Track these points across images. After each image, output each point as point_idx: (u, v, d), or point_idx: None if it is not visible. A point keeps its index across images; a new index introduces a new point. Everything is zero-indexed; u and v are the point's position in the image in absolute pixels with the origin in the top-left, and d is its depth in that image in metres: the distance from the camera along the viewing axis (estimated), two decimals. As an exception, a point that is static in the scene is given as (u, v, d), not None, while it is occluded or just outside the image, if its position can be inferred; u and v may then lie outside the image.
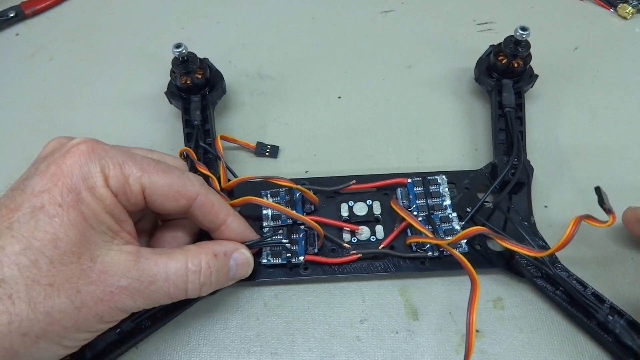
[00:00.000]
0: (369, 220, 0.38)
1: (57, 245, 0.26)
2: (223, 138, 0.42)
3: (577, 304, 0.34)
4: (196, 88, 0.43)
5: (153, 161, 0.31)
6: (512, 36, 0.42)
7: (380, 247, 0.36)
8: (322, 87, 0.48)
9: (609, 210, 0.29)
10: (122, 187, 0.29)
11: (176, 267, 0.30)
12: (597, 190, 0.30)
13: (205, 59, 0.44)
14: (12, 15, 0.54)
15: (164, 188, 0.30)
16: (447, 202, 0.38)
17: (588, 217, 0.29)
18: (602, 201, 0.30)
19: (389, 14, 0.54)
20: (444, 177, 0.39)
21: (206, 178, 0.38)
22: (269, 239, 0.36)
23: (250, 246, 0.35)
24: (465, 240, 0.36)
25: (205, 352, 0.35)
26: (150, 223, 0.36)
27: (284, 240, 0.36)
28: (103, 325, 0.29)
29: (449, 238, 0.34)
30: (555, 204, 0.40)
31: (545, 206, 0.40)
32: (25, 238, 0.26)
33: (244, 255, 0.34)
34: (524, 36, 0.41)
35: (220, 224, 0.33)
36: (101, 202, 0.28)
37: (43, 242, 0.26)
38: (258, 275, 0.36)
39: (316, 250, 0.37)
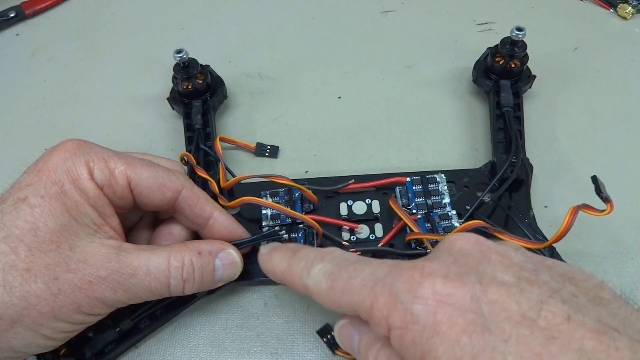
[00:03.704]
0: (368, 219, 0.38)
1: (36, 233, 0.27)
2: (222, 139, 0.42)
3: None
4: (197, 93, 0.43)
5: (137, 157, 0.32)
6: (508, 37, 0.42)
7: (379, 245, 0.36)
8: (322, 87, 0.48)
9: (606, 199, 0.29)
10: (108, 180, 0.30)
11: (158, 261, 0.30)
12: (594, 179, 0.30)
13: (207, 66, 0.45)
14: (12, 15, 0.55)
15: (149, 180, 0.31)
16: (446, 200, 0.38)
17: (585, 206, 0.29)
18: (599, 190, 0.29)
19: (389, 14, 0.54)
20: (442, 175, 0.39)
21: (205, 182, 0.38)
22: (264, 233, 0.36)
23: (242, 245, 0.34)
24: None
25: (205, 352, 0.35)
26: (151, 222, 0.36)
27: (281, 232, 0.36)
28: (83, 317, 0.29)
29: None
30: (555, 204, 0.40)
31: (546, 206, 0.40)
32: (7, 227, 0.27)
33: (231, 256, 0.33)
34: (520, 36, 0.41)
35: (208, 217, 0.34)
36: (84, 194, 0.29)
37: (23, 230, 0.27)
38: (257, 274, 0.36)
39: (315, 249, 0.37)
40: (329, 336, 0.33)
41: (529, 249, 0.33)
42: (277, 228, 0.37)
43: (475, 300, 0.22)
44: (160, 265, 0.30)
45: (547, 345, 0.20)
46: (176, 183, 0.32)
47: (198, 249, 0.32)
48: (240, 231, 0.35)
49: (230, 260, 0.33)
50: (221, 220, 0.34)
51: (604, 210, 0.29)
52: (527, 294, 0.21)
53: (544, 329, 0.20)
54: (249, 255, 0.37)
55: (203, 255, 0.32)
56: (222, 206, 0.36)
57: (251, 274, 0.36)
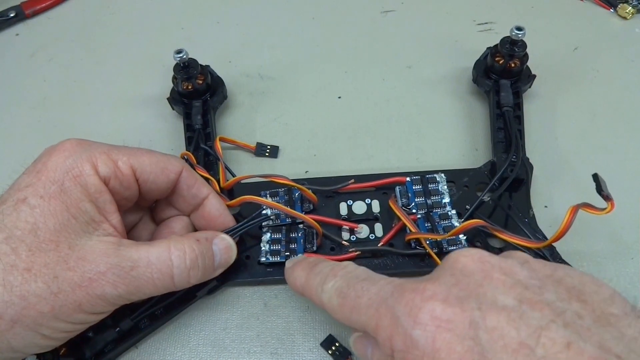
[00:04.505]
0: (368, 218, 0.38)
1: (37, 234, 0.27)
2: (222, 139, 0.42)
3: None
4: (197, 93, 0.43)
5: (135, 147, 0.33)
6: (508, 36, 0.42)
7: (379, 245, 0.36)
8: (322, 87, 0.48)
9: (607, 197, 0.29)
10: (113, 172, 0.30)
11: (158, 252, 0.30)
12: (595, 177, 0.30)
13: (207, 66, 0.45)
14: (12, 15, 0.55)
15: (152, 165, 0.32)
16: (446, 199, 0.38)
17: (586, 205, 0.29)
18: (600, 188, 0.29)
19: (389, 14, 0.54)
20: (442, 175, 0.39)
21: (206, 181, 0.38)
22: (250, 217, 0.36)
23: (231, 232, 0.35)
24: (464, 237, 0.36)
25: (205, 352, 0.35)
26: (150, 223, 0.37)
27: (264, 212, 0.37)
28: (83, 316, 0.29)
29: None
30: (555, 204, 0.40)
31: (546, 206, 0.40)
32: (8, 228, 0.27)
33: (225, 240, 0.34)
34: (520, 36, 0.41)
35: (204, 197, 0.35)
36: (85, 191, 0.29)
37: (24, 231, 0.27)
38: (257, 274, 0.36)
39: (315, 249, 0.37)
40: (333, 348, 0.33)
41: (530, 249, 0.33)
42: (263, 211, 0.37)
43: (473, 327, 0.22)
44: (161, 256, 0.30)
45: None
46: (176, 165, 0.33)
47: (195, 237, 0.32)
48: (229, 218, 0.36)
49: (225, 244, 0.34)
50: (214, 201, 0.35)
51: (604, 209, 0.28)
52: (526, 320, 0.21)
53: (541, 358, 0.20)
54: (249, 255, 0.37)
55: (201, 241, 0.32)
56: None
57: (251, 273, 0.36)
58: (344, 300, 0.27)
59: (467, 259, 0.25)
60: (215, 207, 0.35)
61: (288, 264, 0.34)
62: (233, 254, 0.34)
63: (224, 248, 0.33)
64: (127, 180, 0.31)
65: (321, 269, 0.30)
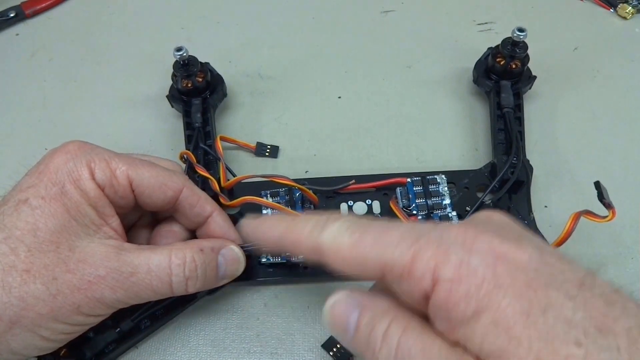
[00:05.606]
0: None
1: (36, 234, 0.27)
2: (223, 139, 0.42)
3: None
4: (197, 91, 0.43)
5: (139, 158, 0.32)
6: (509, 38, 0.42)
7: (380, 247, 0.36)
8: (322, 87, 0.48)
9: (608, 205, 0.29)
10: (109, 180, 0.30)
11: (159, 259, 0.30)
12: (597, 185, 0.30)
13: (207, 63, 0.45)
14: (12, 15, 0.54)
15: (151, 180, 0.31)
16: (447, 201, 0.38)
17: (587, 212, 0.29)
18: (601, 196, 0.30)
19: (389, 14, 0.54)
20: (443, 176, 0.39)
21: (205, 180, 0.38)
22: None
23: (245, 247, 0.34)
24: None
25: (205, 352, 0.35)
26: (150, 221, 0.36)
27: (266, 212, 0.36)
28: (82, 318, 0.29)
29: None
30: (555, 204, 0.40)
31: (545, 206, 0.40)
32: (8, 228, 0.27)
33: (233, 252, 0.33)
34: (521, 37, 0.41)
35: (207, 216, 0.34)
36: (85, 195, 0.29)
37: (23, 231, 0.27)
38: (257, 275, 0.36)
39: (316, 250, 0.36)
40: (334, 349, 0.33)
41: None
42: (264, 212, 0.37)
43: (534, 261, 0.21)
44: (161, 263, 0.30)
45: (608, 308, 0.20)
46: (177, 182, 0.32)
47: (200, 246, 0.32)
48: (234, 236, 0.34)
49: (232, 256, 0.33)
50: (218, 220, 0.34)
51: (605, 217, 0.29)
52: (576, 266, 0.22)
53: (601, 295, 0.20)
54: (249, 256, 0.37)
55: (205, 252, 0.31)
56: (223, 205, 0.36)
57: (251, 274, 0.36)
58: (362, 235, 0.23)
59: (499, 215, 0.25)
60: (220, 226, 0.34)
61: (247, 219, 0.30)
62: (240, 266, 0.33)
63: (231, 260, 0.33)
64: (123, 190, 0.31)
65: (313, 217, 0.26)
